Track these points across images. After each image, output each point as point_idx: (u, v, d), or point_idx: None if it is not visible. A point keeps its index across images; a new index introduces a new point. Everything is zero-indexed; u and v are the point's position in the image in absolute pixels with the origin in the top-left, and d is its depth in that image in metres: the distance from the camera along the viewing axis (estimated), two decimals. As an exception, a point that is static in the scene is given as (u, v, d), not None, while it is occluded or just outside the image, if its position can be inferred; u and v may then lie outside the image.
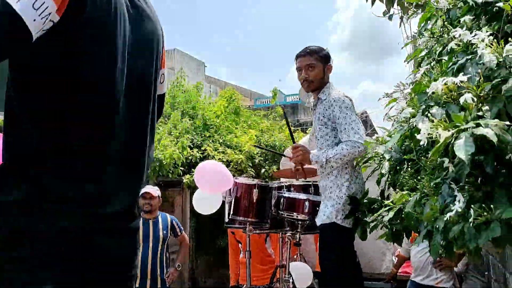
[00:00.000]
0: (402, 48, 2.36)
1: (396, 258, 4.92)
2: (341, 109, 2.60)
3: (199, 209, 3.17)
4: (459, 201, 1.40)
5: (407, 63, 2.01)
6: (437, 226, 1.45)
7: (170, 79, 8.25)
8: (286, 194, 3.04)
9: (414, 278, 3.95)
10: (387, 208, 1.96)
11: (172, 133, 6.76)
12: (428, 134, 1.21)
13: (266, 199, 2.90)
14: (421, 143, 1.21)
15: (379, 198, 2.72)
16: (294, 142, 2.91)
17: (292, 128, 8.73)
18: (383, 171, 2.51)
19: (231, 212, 2.83)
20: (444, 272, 3.69)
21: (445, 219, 1.40)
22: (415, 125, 1.36)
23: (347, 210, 2.58)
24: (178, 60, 15.40)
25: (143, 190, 3.99)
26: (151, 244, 4.04)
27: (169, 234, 4.21)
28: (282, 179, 4.26)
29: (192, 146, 7.22)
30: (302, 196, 3.04)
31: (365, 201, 2.65)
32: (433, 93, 1.31)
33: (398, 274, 4.57)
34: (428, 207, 1.60)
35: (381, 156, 2.64)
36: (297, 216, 3.00)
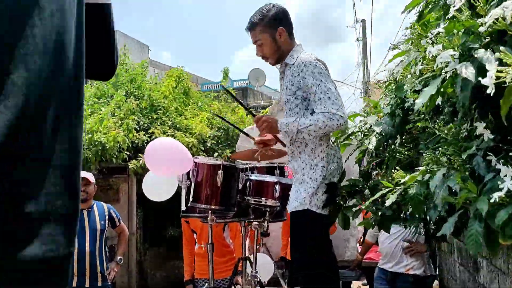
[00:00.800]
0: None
1: (360, 245, 4.74)
2: (313, 75, 2.23)
3: (151, 196, 2.70)
4: (509, 177, 1.07)
5: (407, 13, 1.66)
6: (476, 211, 1.11)
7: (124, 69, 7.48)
8: (254, 177, 2.65)
9: (382, 265, 3.74)
10: (386, 190, 1.61)
11: (116, 115, 6.13)
12: (498, 78, 0.84)
13: (232, 183, 2.48)
14: (489, 90, 0.85)
15: (361, 179, 2.42)
16: (248, 110, 2.59)
17: (245, 115, 8.41)
18: (370, 147, 2.18)
19: (191, 199, 2.38)
20: (415, 258, 3.49)
21: (491, 201, 1.06)
22: (457, 72, 1.00)
23: (322, 195, 2.25)
24: (120, 42, 14.76)
25: None
26: (87, 237, 3.57)
27: (106, 225, 3.78)
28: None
29: (138, 129, 6.62)
30: (271, 178, 2.67)
31: (346, 183, 2.33)
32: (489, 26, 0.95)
33: (363, 261, 4.36)
34: (440, 188, 1.27)
35: (366, 130, 2.31)
36: (265, 202, 2.62)
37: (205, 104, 8.23)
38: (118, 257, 3.93)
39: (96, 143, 5.31)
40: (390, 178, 2.16)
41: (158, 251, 7.56)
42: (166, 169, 2.33)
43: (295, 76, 2.30)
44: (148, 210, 7.08)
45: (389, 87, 2.04)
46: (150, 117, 6.95)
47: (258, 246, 3.26)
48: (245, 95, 14.07)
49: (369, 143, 2.14)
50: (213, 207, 2.38)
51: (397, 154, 1.88)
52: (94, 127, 5.37)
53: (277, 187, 2.58)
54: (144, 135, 6.46)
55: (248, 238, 3.27)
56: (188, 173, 2.43)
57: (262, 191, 2.63)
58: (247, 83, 15.63)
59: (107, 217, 3.78)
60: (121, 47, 8.30)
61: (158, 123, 6.87)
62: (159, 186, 2.59)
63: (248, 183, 2.61)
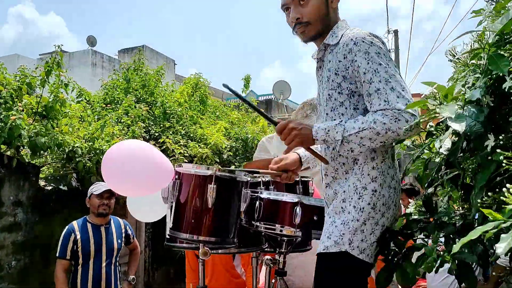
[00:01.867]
0: None
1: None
2: (368, 56, 1.51)
3: (139, 217, 2.04)
4: None
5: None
6: None
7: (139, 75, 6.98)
8: (265, 195, 1.93)
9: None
10: (488, 225, 0.87)
11: (122, 121, 5.55)
12: None
13: (230, 202, 1.77)
14: None
15: (422, 208, 1.64)
16: (265, 116, 1.79)
17: (266, 125, 7.73)
18: (441, 152, 1.41)
19: (170, 225, 1.69)
20: (478, 304, 2.67)
21: None
22: None
23: (371, 234, 1.54)
24: (147, 56, 14.71)
25: (100, 187, 3.20)
26: (104, 257, 3.27)
27: (123, 244, 3.46)
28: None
29: (148, 137, 6.03)
30: (289, 198, 1.94)
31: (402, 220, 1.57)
32: None
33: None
34: None
35: (434, 129, 1.55)
36: (281, 230, 1.90)
37: (223, 113, 7.59)
38: (131, 277, 3.59)
39: (97, 151, 4.71)
40: (468, 203, 1.41)
41: (167, 272, 6.87)
42: (132, 189, 1.64)
43: (340, 61, 1.58)
44: (158, 227, 6.43)
45: (473, 60, 1.30)
46: (162, 125, 6.36)
47: (273, 281, 2.54)
48: (269, 107, 13.47)
49: (439, 147, 1.39)
50: (201, 238, 1.66)
51: (491, 162, 1.14)
52: (96, 134, 4.79)
53: (298, 210, 1.86)
54: (154, 144, 5.85)
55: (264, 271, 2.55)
56: (171, 187, 1.73)
57: (277, 214, 1.91)
58: (272, 97, 15.10)
59: (123, 234, 3.47)
60: (136, 52, 7.82)
61: (170, 132, 6.26)
62: (143, 205, 1.91)
63: (257, 203, 1.90)
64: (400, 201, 1.77)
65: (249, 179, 1.85)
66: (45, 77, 4.29)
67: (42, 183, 4.91)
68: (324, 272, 1.57)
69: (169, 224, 1.72)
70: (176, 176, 1.72)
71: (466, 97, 1.22)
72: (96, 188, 3.27)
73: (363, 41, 1.52)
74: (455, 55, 1.44)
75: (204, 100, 7.43)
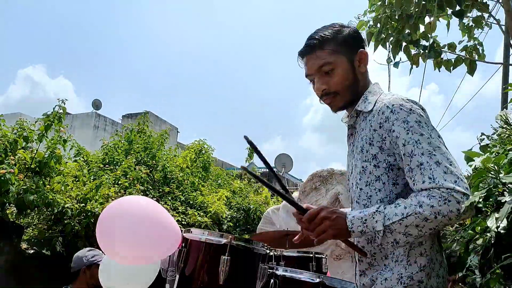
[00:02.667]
0: None
1: None
2: (408, 126, 1.31)
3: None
4: None
5: None
6: None
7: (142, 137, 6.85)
8: (281, 272, 1.61)
9: None
10: None
11: (120, 183, 5.25)
12: None
13: (245, 278, 1.43)
14: None
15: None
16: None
17: (269, 196, 7.42)
18: (494, 226, 1.11)
19: (171, 304, 1.34)
20: None
21: None
22: None
23: None
24: (151, 123, 14.88)
25: (100, 257, 2.69)
26: None
27: None
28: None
29: (144, 202, 5.69)
30: (309, 277, 1.62)
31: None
32: None
33: None
34: None
35: (489, 204, 1.24)
36: (302, 317, 1.55)
37: (226, 182, 7.31)
38: None
39: (89, 213, 4.36)
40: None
41: None
42: (131, 255, 1.32)
43: (375, 130, 1.39)
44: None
45: None
46: (161, 190, 6.05)
47: None
48: (270, 180, 13.18)
49: (497, 226, 1.09)
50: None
51: None
52: (89, 194, 4.46)
53: (322, 292, 1.52)
54: (150, 210, 5.51)
55: None
56: (173, 257, 1.41)
57: (296, 297, 1.58)
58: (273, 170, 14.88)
59: None
60: (140, 116, 7.73)
61: (169, 198, 5.94)
62: (120, 276, 1.56)
63: (272, 281, 1.57)
64: None
65: (267, 251, 1.53)
66: (44, 131, 4.07)
67: (24, 245, 4.50)
68: None
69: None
70: (183, 244, 1.40)
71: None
72: (98, 257, 2.85)
73: (401, 108, 1.34)
74: (508, 121, 1.21)
75: (207, 167, 7.19)
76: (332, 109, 1.55)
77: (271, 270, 1.61)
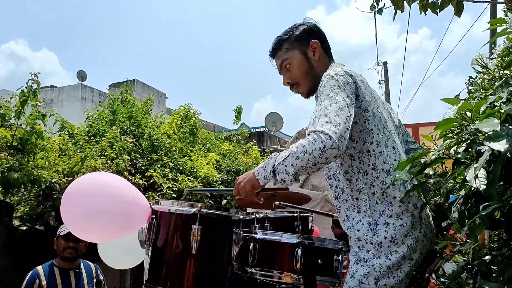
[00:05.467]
0: None
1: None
2: (323, 90, 1.52)
3: (110, 262, 1.70)
4: None
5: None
6: None
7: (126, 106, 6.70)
8: (260, 235, 1.62)
9: None
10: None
11: (106, 154, 5.21)
12: None
13: (219, 246, 1.43)
14: None
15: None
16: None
17: (258, 156, 7.44)
18: (474, 183, 1.11)
19: (145, 277, 1.34)
20: None
21: None
22: None
23: (397, 269, 1.42)
24: (138, 90, 14.56)
25: (65, 228, 2.80)
26: None
27: None
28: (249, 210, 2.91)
29: (134, 171, 5.67)
30: (289, 238, 1.64)
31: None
32: None
33: None
34: None
35: (469, 155, 1.24)
36: (279, 277, 1.58)
37: (214, 145, 7.29)
38: None
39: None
40: None
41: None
42: (94, 232, 1.30)
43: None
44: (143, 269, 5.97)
45: (507, 71, 1.04)
46: (149, 158, 6.02)
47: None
48: (261, 139, 13.24)
49: (475, 176, 1.09)
50: (182, 292, 1.31)
51: None
52: (76, 168, 4.43)
53: (299, 252, 1.54)
54: (140, 178, 5.50)
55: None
56: (147, 229, 1.40)
57: (275, 258, 1.60)
58: (264, 130, 14.95)
59: (95, 279, 3.00)
60: (123, 85, 7.58)
61: (158, 165, 5.92)
62: (115, 248, 1.57)
63: (251, 245, 1.58)
64: None
65: (241, 216, 1.52)
66: (21, 107, 3.97)
67: (16, 222, 4.51)
68: None
69: (145, 275, 1.38)
70: (153, 216, 1.39)
71: (502, 111, 0.94)
72: (64, 228, 2.87)
73: (325, 76, 1.55)
74: (484, 64, 1.16)
75: (194, 132, 7.14)
76: (303, 96, 1.76)
77: (249, 235, 1.62)
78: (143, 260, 2.04)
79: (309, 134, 1.41)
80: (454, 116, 1.24)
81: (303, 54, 1.71)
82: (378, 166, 1.49)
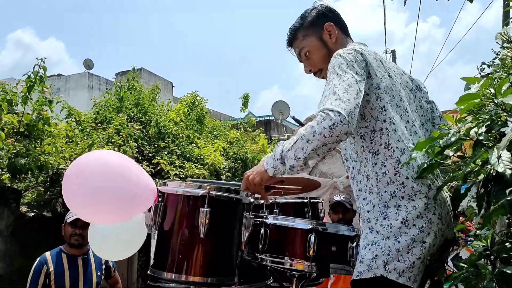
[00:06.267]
0: None
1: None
2: (331, 69, 1.48)
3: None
4: None
5: None
6: None
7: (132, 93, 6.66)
8: (271, 220, 1.57)
9: None
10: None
11: (113, 141, 5.18)
12: None
13: (230, 231, 1.38)
14: None
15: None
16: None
17: (266, 144, 7.39)
18: (494, 158, 1.03)
19: (151, 262, 1.30)
20: None
21: None
22: None
23: (408, 253, 1.35)
24: (145, 79, 14.53)
25: (72, 215, 2.79)
26: None
27: (103, 276, 3.02)
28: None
29: (141, 158, 5.65)
30: (302, 224, 1.58)
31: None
32: None
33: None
34: None
35: (492, 137, 1.15)
36: (291, 264, 1.53)
37: (221, 133, 7.25)
38: None
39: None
40: None
41: (163, 305, 6.39)
42: (97, 211, 1.26)
43: None
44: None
45: None
46: (156, 145, 5.99)
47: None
48: (268, 128, 13.18)
49: (498, 157, 1.02)
50: (191, 279, 1.26)
51: None
52: (82, 154, 4.41)
53: (312, 238, 1.48)
54: (148, 165, 5.48)
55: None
56: (153, 211, 1.35)
57: (286, 245, 1.54)
58: (271, 118, 14.87)
59: (103, 266, 3.03)
60: (130, 72, 7.53)
61: (165, 152, 5.89)
62: (112, 240, 1.52)
63: (262, 230, 1.53)
64: None
65: (252, 200, 1.47)
66: (27, 93, 3.94)
67: (23, 209, 4.51)
68: None
69: (151, 260, 1.34)
70: (160, 198, 1.34)
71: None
72: (71, 215, 2.85)
73: (334, 56, 1.50)
74: (509, 38, 1.09)
75: (201, 119, 7.10)
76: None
77: (260, 220, 1.57)
78: (151, 247, 2.00)
79: (317, 115, 1.36)
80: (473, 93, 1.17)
81: (319, 39, 1.68)
82: (392, 144, 1.43)
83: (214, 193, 1.31)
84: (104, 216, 1.33)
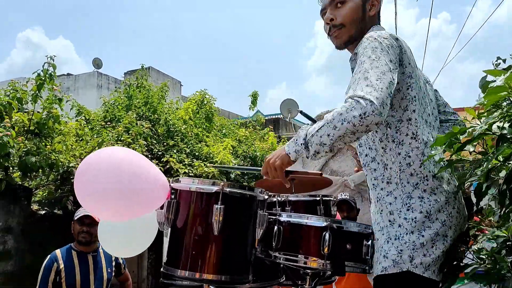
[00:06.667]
0: None
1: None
2: (363, 51, 1.40)
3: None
4: None
5: None
6: None
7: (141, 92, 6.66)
8: (285, 217, 1.54)
9: None
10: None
11: (122, 139, 5.18)
12: None
13: (244, 227, 1.36)
14: None
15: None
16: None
17: (275, 142, 7.36)
18: None
19: (164, 259, 1.28)
20: None
21: None
22: None
23: (432, 246, 1.35)
24: (153, 78, 14.57)
25: (80, 213, 2.81)
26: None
27: (113, 273, 3.01)
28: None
29: (151, 156, 5.65)
30: (316, 221, 1.55)
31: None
32: None
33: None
34: None
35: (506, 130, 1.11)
36: (305, 262, 1.50)
37: (230, 131, 7.23)
38: None
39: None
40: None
41: (172, 303, 6.39)
42: (107, 207, 1.24)
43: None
44: (162, 253, 5.99)
45: None
46: (165, 143, 5.99)
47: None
48: (277, 127, 13.13)
49: None
50: (204, 276, 1.25)
51: None
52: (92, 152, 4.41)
53: (327, 236, 1.45)
54: (157, 164, 5.48)
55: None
56: (165, 208, 1.33)
57: (300, 242, 1.52)
58: (279, 117, 14.80)
59: (114, 263, 3.02)
60: (138, 70, 7.54)
61: (174, 151, 5.89)
62: (121, 237, 1.50)
63: (275, 228, 1.50)
64: None
65: (266, 197, 1.45)
66: (37, 91, 3.95)
67: (34, 207, 4.54)
68: None
69: (164, 257, 1.32)
70: (172, 195, 1.32)
71: None
72: (79, 212, 2.86)
73: (367, 38, 1.43)
74: None
75: (210, 117, 7.08)
76: (337, 42, 1.61)
77: (274, 217, 1.54)
78: (162, 244, 1.99)
79: (346, 101, 1.30)
80: (498, 86, 1.13)
81: (362, 2, 1.59)
82: (419, 136, 1.41)
83: (228, 189, 1.28)
84: (115, 213, 1.32)
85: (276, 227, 1.50)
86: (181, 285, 1.59)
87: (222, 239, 1.28)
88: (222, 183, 1.27)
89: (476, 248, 1.35)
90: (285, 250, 1.51)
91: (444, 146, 1.21)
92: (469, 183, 1.52)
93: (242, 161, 6.16)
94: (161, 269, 1.32)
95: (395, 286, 1.35)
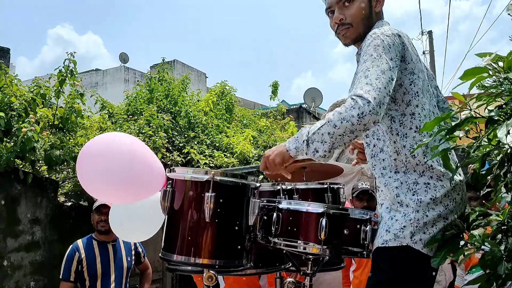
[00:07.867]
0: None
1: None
2: (366, 48, 1.46)
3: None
4: None
5: None
6: None
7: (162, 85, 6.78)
8: (284, 205, 1.57)
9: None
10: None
11: (144, 132, 5.31)
12: None
13: (235, 214, 1.40)
14: None
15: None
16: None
17: (295, 132, 7.33)
18: (501, 133, 0.98)
19: (162, 244, 1.34)
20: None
21: None
22: None
23: (433, 226, 1.44)
24: (178, 71, 14.69)
25: (97, 203, 2.90)
26: (113, 277, 2.92)
27: (133, 262, 3.10)
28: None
29: (172, 148, 5.76)
30: (313, 207, 1.58)
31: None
32: None
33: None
34: None
35: (503, 113, 1.10)
36: (304, 248, 1.53)
37: (251, 121, 7.27)
38: None
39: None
40: None
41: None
42: (107, 192, 1.30)
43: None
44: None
45: None
46: (186, 135, 6.09)
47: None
48: (300, 116, 13.06)
49: (506, 133, 0.98)
50: (199, 261, 1.30)
51: None
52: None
53: (324, 222, 1.47)
54: (178, 155, 5.58)
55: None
56: (163, 195, 1.39)
57: (299, 228, 1.55)
58: (303, 106, 14.71)
59: (133, 251, 3.11)
60: (160, 64, 7.65)
61: (195, 142, 5.98)
62: (130, 220, 1.57)
63: (274, 214, 1.53)
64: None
65: (258, 184, 1.48)
66: (59, 87, 4.09)
67: (61, 199, 4.72)
68: (383, 268, 1.45)
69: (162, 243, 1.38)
70: (168, 184, 1.37)
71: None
72: (97, 203, 2.96)
73: (370, 36, 1.48)
74: None
75: (230, 108, 7.14)
76: (345, 41, 1.67)
77: (273, 204, 1.58)
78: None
79: (347, 100, 1.37)
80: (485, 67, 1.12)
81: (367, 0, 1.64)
82: None
83: (219, 178, 1.33)
84: (114, 196, 1.38)
85: (275, 214, 1.54)
86: (184, 269, 1.65)
87: (214, 225, 1.32)
88: (213, 172, 1.31)
89: (475, 234, 1.34)
90: (284, 236, 1.54)
91: (436, 134, 1.21)
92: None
93: (262, 151, 6.20)
94: (159, 254, 1.39)
95: (394, 258, 1.43)
